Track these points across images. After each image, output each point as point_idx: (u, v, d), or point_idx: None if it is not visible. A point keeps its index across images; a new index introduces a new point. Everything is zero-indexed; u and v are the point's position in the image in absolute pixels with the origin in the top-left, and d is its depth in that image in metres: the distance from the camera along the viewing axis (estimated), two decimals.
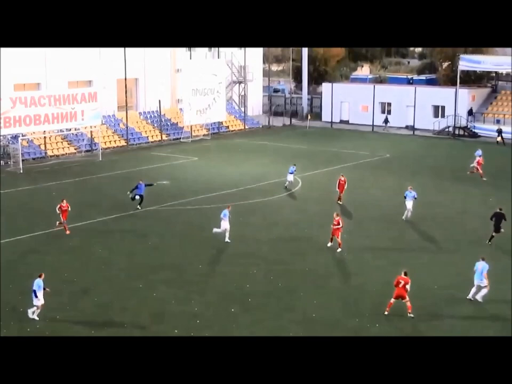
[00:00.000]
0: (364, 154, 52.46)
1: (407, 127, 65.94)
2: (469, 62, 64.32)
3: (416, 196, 33.47)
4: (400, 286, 22.26)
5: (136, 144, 57.50)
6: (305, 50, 74.81)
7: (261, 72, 75.98)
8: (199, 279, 25.88)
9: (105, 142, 55.25)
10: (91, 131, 53.38)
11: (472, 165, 44.66)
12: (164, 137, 59.67)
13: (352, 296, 24.47)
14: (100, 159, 50.46)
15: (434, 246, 30.35)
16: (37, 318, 21.82)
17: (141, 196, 35.21)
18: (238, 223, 31.75)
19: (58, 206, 30.98)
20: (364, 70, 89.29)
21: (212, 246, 29.71)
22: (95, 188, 41.02)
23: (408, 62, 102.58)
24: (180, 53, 64.86)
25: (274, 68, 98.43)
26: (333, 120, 69.01)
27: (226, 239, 29.82)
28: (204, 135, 61.56)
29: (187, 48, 64.17)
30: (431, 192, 39.14)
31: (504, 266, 26.97)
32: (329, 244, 29.28)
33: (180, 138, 60.22)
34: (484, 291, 23.47)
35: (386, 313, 22.47)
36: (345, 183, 36.81)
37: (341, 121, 69.93)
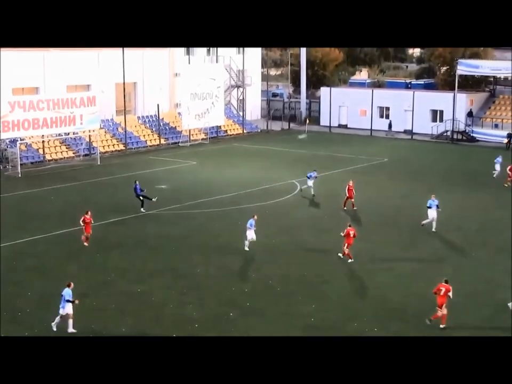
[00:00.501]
0: (362, 158, 52.42)
1: (405, 132, 65.93)
2: (467, 66, 64.39)
3: (438, 204, 32.45)
4: (442, 293, 21.86)
5: (134, 148, 57.46)
6: (303, 55, 74.83)
7: (259, 76, 76.04)
8: (198, 284, 25.80)
9: (103, 146, 55.19)
10: (89, 135, 53.31)
11: (495, 172, 44.25)
12: (162, 141, 59.63)
13: (351, 300, 24.39)
14: (98, 163, 50.41)
15: (435, 250, 30.30)
16: (54, 329, 21.25)
17: (141, 196, 35.26)
18: (237, 228, 31.71)
19: (82, 218, 29.67)
20: (362, 74, 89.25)
21: (211, 251, 29.65)
22: (93, 192, 40.94)
23: (407, 67, 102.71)
24: (178, 57, 64.90)
25: (273, 72, 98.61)
26: (331, 125, 68.97)
27: (246, 248, 29.37)
28: (202, 139, 61.51)
29: (185, 52, 64.20)
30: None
31: (505, 269, 27.01)
32: (349, 260, 28.15)
33: (178, 143, 60.20)
34: None
35: (442, 326, 21.70)
36: (353, 188, 36.31)
37: (339, 126, 69.91)
